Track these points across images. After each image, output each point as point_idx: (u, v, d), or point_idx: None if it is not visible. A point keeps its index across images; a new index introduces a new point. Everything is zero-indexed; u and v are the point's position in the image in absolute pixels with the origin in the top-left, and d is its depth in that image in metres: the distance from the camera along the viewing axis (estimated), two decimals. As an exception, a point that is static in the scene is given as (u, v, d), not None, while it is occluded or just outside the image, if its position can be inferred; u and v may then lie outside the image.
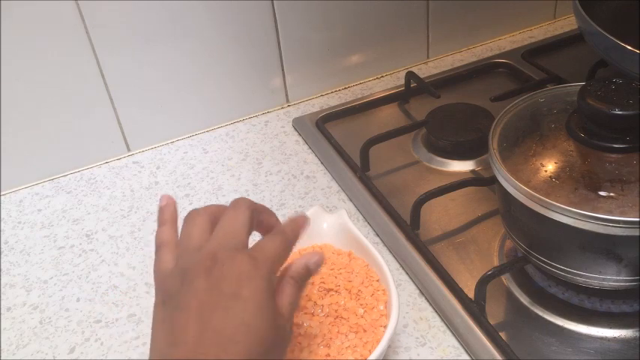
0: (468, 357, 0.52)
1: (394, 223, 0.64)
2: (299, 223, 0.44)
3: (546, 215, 0.47)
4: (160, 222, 0.45)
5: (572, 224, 0.46)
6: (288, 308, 0.41)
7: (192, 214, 0.43)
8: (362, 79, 0.89)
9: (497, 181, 0.52)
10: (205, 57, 0.78)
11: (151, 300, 0.60)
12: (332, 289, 0.53)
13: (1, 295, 0.62)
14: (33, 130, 0.73)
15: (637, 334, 0.52)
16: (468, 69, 0.87)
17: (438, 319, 0.55)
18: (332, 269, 0.55)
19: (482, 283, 0.54)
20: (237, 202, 0.43)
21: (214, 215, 0.43)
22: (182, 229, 0.43)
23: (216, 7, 0.75)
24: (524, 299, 0.56)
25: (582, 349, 0.51)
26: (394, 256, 0.62)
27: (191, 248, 0.41)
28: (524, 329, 0.53)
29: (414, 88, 0.83)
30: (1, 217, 0.72)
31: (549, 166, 0.50)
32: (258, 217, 0.44)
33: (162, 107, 0.79)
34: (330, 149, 0.75)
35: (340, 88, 0.88)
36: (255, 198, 0.70)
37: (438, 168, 0.72)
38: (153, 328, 0.39)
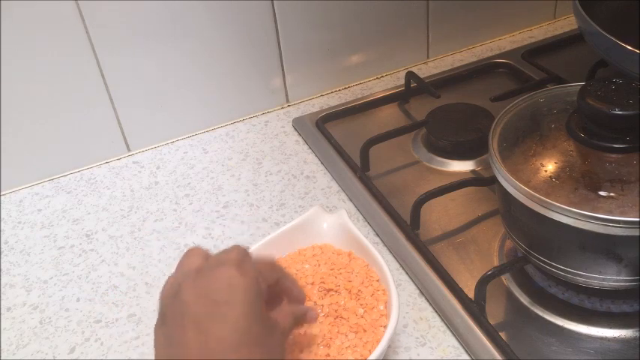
0: (467, 357, 0.52)
1: (394, 223, 0.64)
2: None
3: (546, 215, 0.47)
4: None
5: (572, 224, 0.46)
6: (286, 326, 0.42)
7: (189, 248, 0.44)
8: (362, 79, 0.89)
9: (497, 181, 0.52)
10: (205, 57, 0.78)
11: (151, 300, 0.60)
12: (332, 289, 0.53)
13: (1, 295, 0.62)
14: (33, 130, 0.73)
15: (637, 334, 0.52)
16: (468, 69, 0.87)
17: (438, 319, 0.55)
18: (332, 269, 0.55)
19: (482, 283, 0.54)
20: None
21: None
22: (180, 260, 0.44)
23: (216, 7, 0.75)
24: (524, 299, 0.56)
25: (582, 349, 0.51)
26: (394, 256, 0.62)
27: (184, 271, 0.42)
28: (524, 329, 0.53)
29: (414, 88, 0.83)
30: (1, 217, 0.72)
31: (549, 166, 0.50)
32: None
33: (162, 107, 0.79)
34: (330, 149, 0.75)
35: (340, 88, 0.88)
36: (255, 198, 0.71)
37: (438, 168, 0.72)
38: (155, 349, 0.40)
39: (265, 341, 0.39)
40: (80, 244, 0.68)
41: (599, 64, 0.78)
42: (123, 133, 0.78)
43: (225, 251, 0.43)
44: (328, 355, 0.48)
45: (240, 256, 0.41)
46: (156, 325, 0.41)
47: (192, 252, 0.43)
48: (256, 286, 0.40)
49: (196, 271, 0.40)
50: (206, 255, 0.43)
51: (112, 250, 0.66)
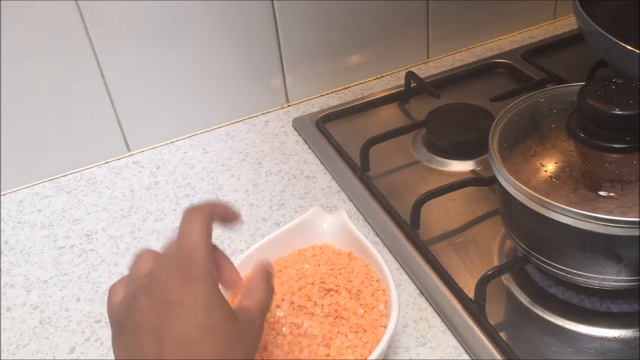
0: (467, 357, 0.52)
1: (394, 223, 0.64)
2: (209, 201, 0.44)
3: (546, 215, 0.47)
4: None
5: (572, 224, 0.46)
6: (256, 306, 0.41)
7: (139, 251, 0.43)
8: (362, 79, 0.89)
9: (497, 181, 0.52)
10: (205, 57, 0.78)
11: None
12: (332, 289, 0.53)
13: (1, 295, 0.62)
14: (33, 130, 0.73)
15: (637, 334, 0.52)
16: (468, 69, 0.87)
17: (438, 319, 0.55)
18: (332, 269, 0.55)
19: (482, 283, 0.54)
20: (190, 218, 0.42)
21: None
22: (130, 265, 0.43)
23: (216, 8, 0.75)
24: (524, 299, 0.56)
25: (582, 349, 0.51)
26: (394, 256, 0.62)
27: (135, 277, 0.41)
28: (524, 329, 0.53)
29: (414, 88, 0.83)
30: (1, 217, 0.72)
31: (549, 166, 0.50)
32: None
33: (162, 107, 0.79)
34: (330, 149, 0.75)
35: (340, 88, 0.88)
36: (255, 198, 0.71)
37: (438, 168, 0.72)
38: None
39: (228, 330, 0.38)
40: (80, 244, 0.68)
41: (599, 64, 0.78)
42: (123, 133, 0.78)
43: (177, 244, 0.40)
44: (328, 355, 0.48)
45: (188, 251, 0.39)
46: (113, 337, 0.40)
47: (142, 256, 0.42)
48: (209, 277, 0.39)
49: (149, 277, 0.39)
50: (155, 256, 0.42)
51: (112, 250, 0.66)
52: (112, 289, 0.42)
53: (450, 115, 0.76)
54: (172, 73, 0.77)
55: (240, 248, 0.64)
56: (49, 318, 0.60)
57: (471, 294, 0.55)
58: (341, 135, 0.77)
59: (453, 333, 0.54)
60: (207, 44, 0.77)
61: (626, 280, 0.50)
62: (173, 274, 0.39)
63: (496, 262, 0.59)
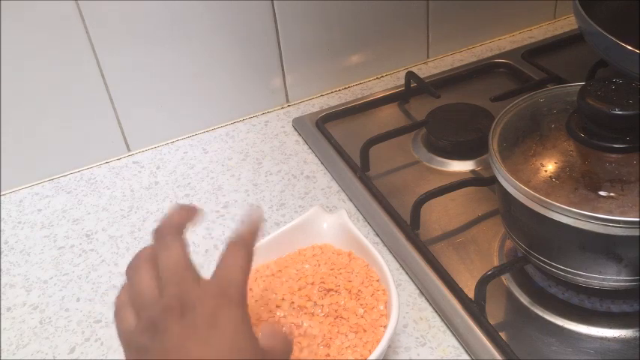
0: (467, 357, 0.52)
1: (394, 223, 0.64)
2: (254, 218, 0.43)
3: (546, 215, 0.47)
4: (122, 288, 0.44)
5: (572, 224, 0.46)
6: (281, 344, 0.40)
7: (132, 267, 0.42)
8: (362, 79, 0.89)
9: (497, 181, 0.52)
10: (205, 57, 0.78)
11: (151, 300, 0.60)
12: (332, 289, 0.53)
13: (1, 295, 0.62)
14: (33, 130, 0.73)
15: (637, 334, 0.52)
16: (468, 69, 0.87)
17: (438, 319, 0.55)
18: (332, 269, 0.55)
19: (482, 283, 0.54)
20: (167, 242, 0.42)
21: (152, 258, 0.42)
22: (128, 284, 0.42)
23: (217, 7, 0.75)
24: (524, 299, 0.56)
25: (582, 349, 0.51)
26: (394, 256, 0.62)
27: (148, 299, 0.40)
28: (524, 329, 0.53)
29: (414, 88, 0.83)
30: (1, 217, 0.72)
31: (549, 166, 0.50)
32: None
33: (162, 107, 0.79)
34: (330, 149, 0.75)
35: (340, 88, 0.88)
36: (255, 198, 0.71)
37: (438, 168, 0.72)
38: None
39: None
40: (80, 244, 0.68)
41: (599, 64, 0.78)
42: (123, 133, 0.78)
43: (167, 252, 0.40)
44: (328, 355, 0.48)
45: (229, 280, 0.39)
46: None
47: (138, 271, 0.40)
48: (242, 308, 0.38)
49: (178, 302, 0.38)
50: (151, 265, 0.41)
51: (112, 250, 0.66)
52: (119, 313, 0.40)
53: (450, 115, 0.76)
54: (172, 73, 0.77)
55: (240, 248, 0.64)
56: (49, 318, 0.60)
57: (471, 294, 0.55)
58: (341, 135, 0.77)
59: (453, 333, 0.54)
60: (207, 44, 0.77)
61: (626, 280, 0.50)
62: (208, 296, 0.38)
63: (496, 262, 0.59)
